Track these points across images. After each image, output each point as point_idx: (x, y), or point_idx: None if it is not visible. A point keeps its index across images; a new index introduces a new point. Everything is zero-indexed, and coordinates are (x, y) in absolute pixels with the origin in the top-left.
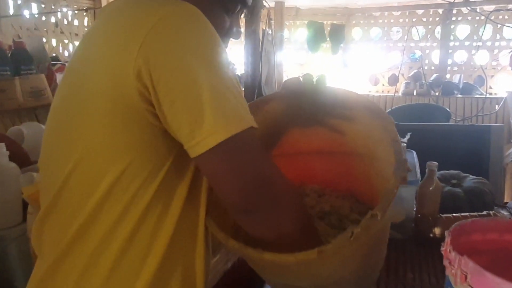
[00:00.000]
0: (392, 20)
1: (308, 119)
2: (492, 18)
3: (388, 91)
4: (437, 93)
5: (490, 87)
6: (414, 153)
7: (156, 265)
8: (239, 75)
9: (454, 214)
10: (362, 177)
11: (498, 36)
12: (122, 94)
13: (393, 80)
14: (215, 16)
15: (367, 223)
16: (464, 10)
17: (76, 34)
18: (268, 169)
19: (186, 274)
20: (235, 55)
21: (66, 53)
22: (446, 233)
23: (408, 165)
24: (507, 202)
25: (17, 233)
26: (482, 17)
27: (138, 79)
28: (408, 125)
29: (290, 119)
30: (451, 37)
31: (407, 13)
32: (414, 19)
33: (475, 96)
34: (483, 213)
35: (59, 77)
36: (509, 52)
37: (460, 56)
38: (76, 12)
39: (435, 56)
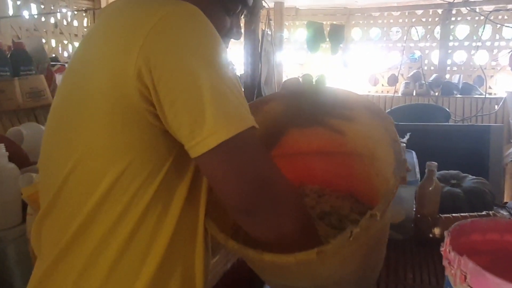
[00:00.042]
0: (391, 20)
1: (308, 119)
2: (492, 18)
3: (388, 91)
4: (436, 93)
5: (490, 87)
6: (414, 153)
7: (156, 265)
8: (239, 75)
9: (453, 214)
10: (362, 177)
11: (497, 36)
12: (123, 94)
13: (393, 80)
14: (216, 17)
15: (367, 223)
16: (464, 10)
17: (76, 35)
18: (269, 170)
19: (186, 274)
20: (235, 55)
21: (65, 54)
22: (445, 233)
23: (408, 165)
24: (506, 202)
25: (16, 234)
26: (482, 17)
27: (138, 79)
28: (408, 125)
29: (289, 119)
30: (451, 37)
31: (406, 13)
32: (413, 19)
33: (475, 96)
34: (483, 213)
35: (58, 77)
36: (509, 52)
37: (459, 56)
38: (76, 12)
39: (435, 56)
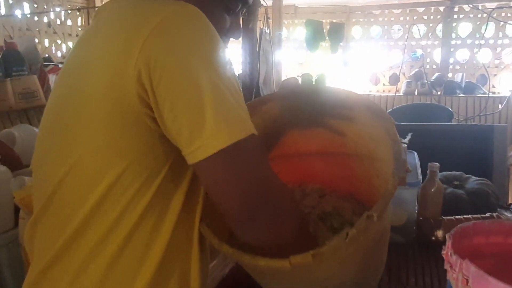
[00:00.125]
0: (392, 18)
1: (307, 120)
2: (495, 15)
3: (389, 91)
4: (439, 93)
5: (493, 86)
6: (415, 154)
7: (151, 273)
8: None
9: (456, 217)
10: (362, 178)
11: (500, 34)
12: (122, 96)
13: (394, 80)
14: (216, 16)
15: (363, 225)
16: (466, 7)
17: (70, 34)
18: (269, 178)
19: (182, 280)
20: (233, 54)
21: (59, 54)
22: (447, 236)
23: (409, 166)
24: (511, 204)
25: (8, 239)
26: (484, 15)
27: (138, 82)
28: (410, 125)
29: (288, 120)
30: (453, 35)
31: (407, 11)
32: (415, 17)
33: (478, 95)
34: (486, 215)
35: (51, 78)
36: None
37: (462, 55)
38: (69, 11)
39: (437, 55)
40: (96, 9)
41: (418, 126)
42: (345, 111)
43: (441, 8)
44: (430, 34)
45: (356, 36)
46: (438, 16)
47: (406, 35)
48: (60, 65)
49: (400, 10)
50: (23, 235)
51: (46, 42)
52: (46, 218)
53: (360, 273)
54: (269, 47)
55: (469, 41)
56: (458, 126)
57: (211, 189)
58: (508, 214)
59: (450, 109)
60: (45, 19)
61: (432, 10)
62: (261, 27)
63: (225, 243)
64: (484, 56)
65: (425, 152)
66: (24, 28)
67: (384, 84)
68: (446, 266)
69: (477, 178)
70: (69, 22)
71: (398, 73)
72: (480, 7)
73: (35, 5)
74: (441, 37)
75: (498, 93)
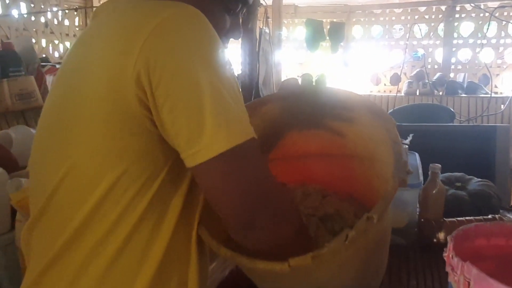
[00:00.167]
0: (393, 18)
1: (307, 121)
2: (497, 14)
3: (390, 91)
4: (440, 93)
5: (496, 86)
6: (417, 155)
7: (150, 275)
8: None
9: (458, 218)
10: (362, 180)
11: (503, 34)
12: (120, 98)
13: (395, 80)
14: (216, 16)
15: (363, 226)
16: (468, 6)
17: (67, 34)
18: (269, 183)
19: (182, 283)
20: (232, 54)
21: (56, 54)
22: (448, 238)
23: (410, 168)
24: None
25: (5, 242)
26: (487, 14)
27: (137, 84)
28: (411, 126)
29: (288, 121)
30: (455, 35)
31: (409, 10)
32: (416, 17)
33: (480, 95)
34: (489, 216)
35: (49, 79)
36: None
37: (464, 54)
38: (67, 11)
39: (439, 55)
40: (94, 9)
41: (419, 126)
42: (345, 112)
43: (443, 7)
44: (431, 33)
45: (357, 36)
46: (440, 16)
47: (408, 34)
48: (57, 66)
49: (401, 10)
50: (20, 238)
51: (43, 42)
52: (43, 221)
53: (360, 275)
54: (269, 47)
55: (471, 41)
56: (460, 127)
57: (209, 193)
58: (510, 216)
59: (452, 110)
60: (42, 19)
61: (434, 10)
62: (261, 27)
63: (224, 245)
64: (486, 55)
65: (426, 153)
66: (21, 28)
67: (385, 84)
68: (448, 269)
69: (479, 179)
70: (66, 22)
71: (399, 73)
72: (482, 6)
73: (32, 5)
74: (442, 36)
75: (501, 93)
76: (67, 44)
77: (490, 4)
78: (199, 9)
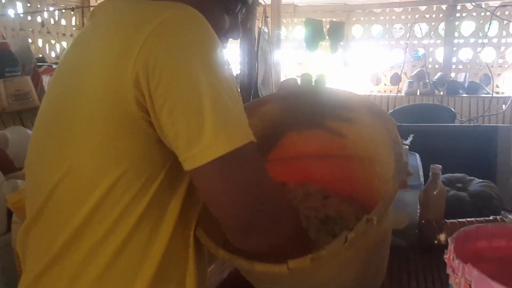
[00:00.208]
0: (394, 17)
1: (307, 121)
2: (498, 14)
3: (391, 91)
4: (441, 93)
5: (497, 86)
6: (417, 155)
7: (149, 278)
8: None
9: (459, 220)
10: (363, 181)
11: (504, 33)
12: (119, 100)
13: (396, 80)
14: (216, 16)
15: (363, 228)
16: (469, 5)
17: (64, 34)
18: (268, 186)
19: (180, 286)
20: (230, 54)
21: (53, 54)
22: (449, 240)
23: (411, 168)
24: None
25: (1, 244)
26: (488, 13)
27: (135, 85)
28: (411, 126)
29: (287, 121)
30: (456, 34)
31: (409, 10)
32: (416, 16)
33: (481, 95)
34: (490, 218)
35: (45, 79)
36: None
37: (465, 54)
38: (63, 11)
39: (439, 54)
40: (92, 8)
41: (420, 127)
42: (345, 112)
43: (444, 7)
44: (432, 33)
45: (357, 35)
46: (441, 15)
47: (408, 34)
48: (54, 66)
49: (401, 9)
50: (16, 240)
51: (40, 42)
52: (41, 222)
53: (360, 277)
54: (268, 46)
55: (472, 40)
56: (461, 127)
57: (207, 197)
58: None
59: (453, 110)
60: (39, 19)
61: (434, 9)
62: (260, 26)
63: (222, 246)
64: (488, 55)
65: (427, 154)
66: (17, 28)
67: (385, 84)
68: (448, 271)
69: (481, 180)
70: (63, 22)
71: (399, 73)
72: (483, 5)
73: (28, 4)
74: (443, 36)
75: (502, 93)
76: (64, 44)
77: (491, 3)
78: (198, 9)
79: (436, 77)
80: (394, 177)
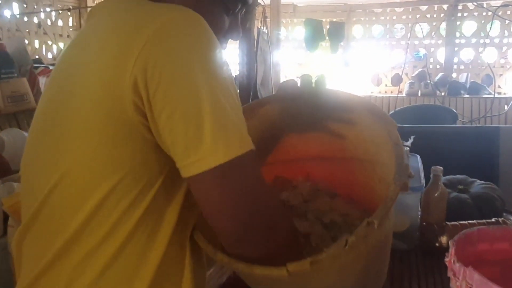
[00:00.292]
0: (394, 17)
1: (306, 123)
2: (500, 13)
3: (392, 92)
4: (443, 93)
5: (499, 87)
6: (418, 157)
7: (146, 283)
8: (234, 76)
9: (461, 222)
10: (363, 184)
11: (506, 33)
12: (116, 105)
13: (397, 80)
14: (215, 17)
15: (363, 232)
16: (470, 5)
17: (60, 35)
18: (265, 197)
19: None
20: (230, 55)
21: (49, 55)
22: (450, 243)
23: (411, 171)
24: None
25: None
26: (489, 13)
27: (133, 89)
28: (412, 127)
29: (287, 123)
30: (457, 34)
31: (410, 9)
32: (417, 16)
33: (483, 96)
34: (492, 220)
35: (42, 80)
36: None
37: (466, 54)
38: (60, 11)
39: (441, 54)
40: (89, 9)
41: (421, 128)
42: (345, 114)
43: (445, 6)
44: (433, 33)
45: (357, 36)
46: (442, 15)
47: (409, 34)
48: (50, 67)
49: (402, 9)
50: (12, 244)
51: (36, 43)
52: (35, 228)
53: (360, 280)
54: (267, 47)
55: (473, 40)
56: (463, 128)
57: (204, 205)
58: None
59: (455, 111)
60: (35, 20)
61: (436, 9)
62: (259, 27)
63: (220, 250)
64: (490, 55)
65: (428, 155)
66: (13, 28)
67: (386, 85)
68: (450, 274)
69: (482, 182)
70: (60, 23)
71: (400, 74)
72: (484, 5)
73: (25, 5)
74: (444, 36)
75: (504, 93)
76: (61, 45)
77: (493, 2)
78: (198, 10)
79: (437, 77)
80: (395, 180)
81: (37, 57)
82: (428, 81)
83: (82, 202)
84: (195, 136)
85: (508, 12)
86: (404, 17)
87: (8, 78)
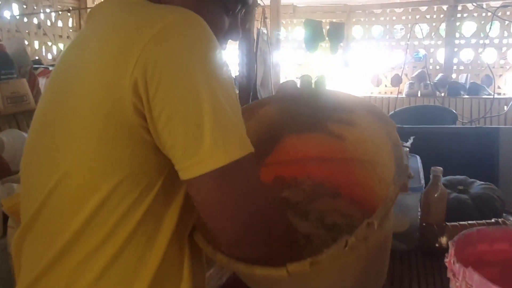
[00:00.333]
0: (394, 18)
1: (306, 124)
2: (499, 14)
3: (391, 92)
4: (442, 94)
5: (499, 87)
6: (418, 157)
7: (146, 285)
8: (234, 77)
9: (461, 223)
10: (363, 184)
11: (506, 33)
12: (116, 106)
13: (396, 81)
14: (215, 17)
15: (363, 233)
16: (470, 6)
17: (60, 36)
18: (264, 200)
19: None
20: (229, 55)
21: (49, 56)
22: (449, 243)
23: (411, 171)
24: None
25: None
26: (489, 14)
27: (133, 91)
28: (412, 128)
29: (286, 124)
30: (457, 35)
31: (410, 10)
32: (417, 16)
33: (483, 96)
34: (492, 220)
35: (41, 81)
36: None
37: (466, 55)
38: (60, 12)
39: (440, 55)
40: (89, 10)
41: (421, 129)
42: (345, 114)
43: (444, 7)
44: (433, 33)
45: (357, 36)
46: (441, 15)
47: (409, 34)
48: (50, 68)
49: (402, 9)
50: (11, 245)
51: (36, 44)
52: (35, 229)
53: (360, 281)
54: (267, 47)
55: (473, 41)
56: (462, 129)
57: (203, 208)
58: None
59: (454, 111)
60: (35, 20)
61: (435, 9)
62: (259, 27)
63: (220, 250)
64: (489, 56)
65: (428, 156)
66: (13, 29)
67: (386, 86)
68: (449, 275)
69: (482, 182)
70: (59, 23)
71: (400, 74)
72: (484, 6)
73: (24, 6)
74: (444, 36)
75: (504, 94)
76: (61, 45)
77: (492, 3)
78: (198, 11)
79: (437, 78)
80: (395, 180)
81: (37, 58)
82: (428, 82)
83: (82, 203)
84: (195, 136)
85: (508, 13)
86: (403, 17)
87: (8, 79)
